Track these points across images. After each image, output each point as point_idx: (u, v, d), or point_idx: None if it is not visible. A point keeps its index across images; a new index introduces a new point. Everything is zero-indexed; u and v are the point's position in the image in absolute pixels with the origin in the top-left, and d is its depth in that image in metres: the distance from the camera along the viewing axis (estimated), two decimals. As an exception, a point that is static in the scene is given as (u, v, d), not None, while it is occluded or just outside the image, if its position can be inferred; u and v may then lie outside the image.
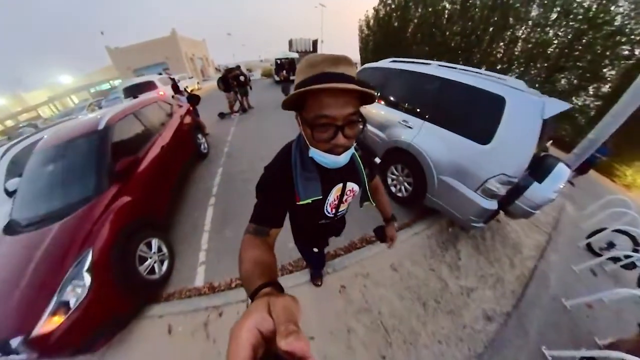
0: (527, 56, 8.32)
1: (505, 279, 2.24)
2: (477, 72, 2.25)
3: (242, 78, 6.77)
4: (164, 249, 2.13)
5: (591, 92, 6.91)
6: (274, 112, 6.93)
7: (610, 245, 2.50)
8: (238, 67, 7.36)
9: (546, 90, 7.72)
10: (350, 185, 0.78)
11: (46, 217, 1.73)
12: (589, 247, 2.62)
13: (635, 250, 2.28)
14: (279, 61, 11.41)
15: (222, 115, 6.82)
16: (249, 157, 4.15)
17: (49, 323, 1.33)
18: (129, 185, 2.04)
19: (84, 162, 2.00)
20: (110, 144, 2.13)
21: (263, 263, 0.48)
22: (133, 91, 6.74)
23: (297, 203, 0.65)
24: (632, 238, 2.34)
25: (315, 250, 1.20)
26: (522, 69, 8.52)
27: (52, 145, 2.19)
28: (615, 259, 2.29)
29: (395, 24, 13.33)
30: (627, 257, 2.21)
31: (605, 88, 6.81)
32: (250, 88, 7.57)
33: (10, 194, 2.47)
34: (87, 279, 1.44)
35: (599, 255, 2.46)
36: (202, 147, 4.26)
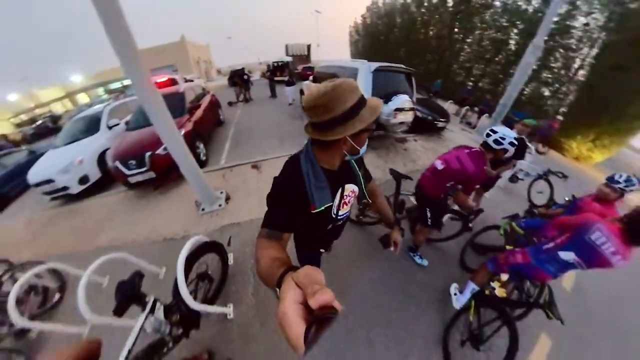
0: (488, 55, 10.32)
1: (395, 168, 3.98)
2: (352, 60, 4.58)
3: (245, 77, 9.30)
4: (205, 150, 4.23)
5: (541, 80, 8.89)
6: (267, 103, 9.36)
7: None
8: (243, 69, 9.82)
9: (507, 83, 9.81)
10: (350, 187, 0.90)
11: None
12: None
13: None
14: (275, 64, 13.51)
15: (230, 104, 9.01)
16: (250, 125, 6.40)
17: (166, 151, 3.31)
18: (193, 116, 4.21)
19: (176, 103, 4.11)
20: (185, 97, 4.35)
21: (280, 258, 0.54)
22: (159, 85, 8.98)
23: (313, 212, 0.74)
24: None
25: (322, 251, 1.26)
26: (483, 65, 10.65)
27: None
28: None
29: (379, 28, 15.91)
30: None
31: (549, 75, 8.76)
32: (252, 84, 9.90)
33: (110, 127, 4.51)
34: (181, 142, 3.45)
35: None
36: (221, 117, 6.60)
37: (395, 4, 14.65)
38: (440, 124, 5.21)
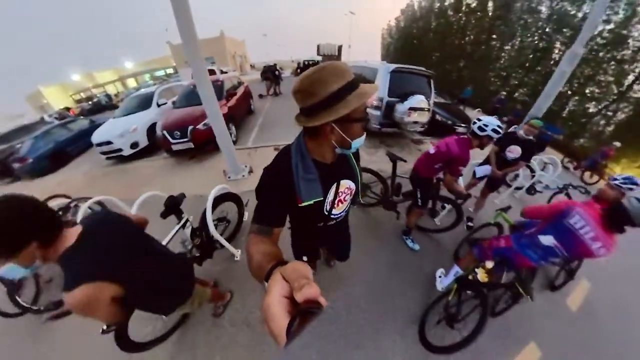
0: (527, 63, 9.79)
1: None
2: (374, 61, 4.96)
3: (277, 72, 10.00)
4: (235, 132, 4.81)
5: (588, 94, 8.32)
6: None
7: (516, 176, 3.46)
8: (275, 65, 10.54)
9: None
10: (347, 183, 0.85)
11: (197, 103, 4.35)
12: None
13: (532, 176, 3.49)
14: (306, 62, 14.13)
15: (261, 96, 9.72)
16: (276, 116, 6.95)
17: (206, 128, 3.87)
18: (228, 102, 4.81)
19: (216, 89, 4.62)
20: (223, 86, 5.01)
21: (271, 253, 0.54)
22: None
23: (299, 205, 0.72)
24: (530, 169, 3.48)
25: (305, 259, 1.11)
26: (521, 74, 10.10)
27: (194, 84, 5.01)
28: (519, 188, 3.51)
29: (414, 32, 15.69)
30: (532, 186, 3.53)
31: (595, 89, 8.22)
32: (282, 80, 10.56)
33: (159, 105, 5.26)
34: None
35: (510, 185, 3.48)
36: (252, 106, 7.28)
37: (432, 7, 14.43)
38: (459, 129, 5.25)
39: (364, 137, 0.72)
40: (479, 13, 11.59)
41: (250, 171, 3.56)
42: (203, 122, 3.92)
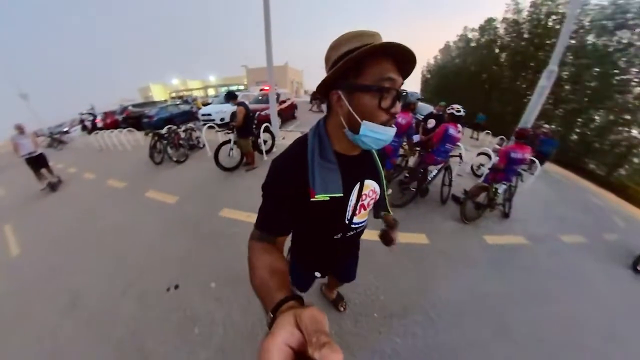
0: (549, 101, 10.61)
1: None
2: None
3: None
4: (280, 123, 7.62)
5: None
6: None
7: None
8: None
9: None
10: (371, 185, 0.71)
11: (260, 102, 7.41)
12: (471, 168, 4.98)
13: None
14: None
15: (309, 110, 13.21)
16: (312, 122, 9.64)
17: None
18: (280, 106, 8.04)
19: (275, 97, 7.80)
20: (279, 97, 8.24)
21: (278, 272, 0.47)
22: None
23: (312, 199, 0.58)
24: (488, 156, 4.30)
25: (318, 275, 1.00)
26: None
27: (261, 94, 8.40)
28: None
29: (453, 70, 18.01)
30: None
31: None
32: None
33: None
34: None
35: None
36: (295, 114, 10.66)
37: (467, 46, 16.17)
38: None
39: (386, 130, 0.54)
40: (504, 52, 12.97)
41: (283, 138, 6.42)
42: (264, 112, 6.85)
